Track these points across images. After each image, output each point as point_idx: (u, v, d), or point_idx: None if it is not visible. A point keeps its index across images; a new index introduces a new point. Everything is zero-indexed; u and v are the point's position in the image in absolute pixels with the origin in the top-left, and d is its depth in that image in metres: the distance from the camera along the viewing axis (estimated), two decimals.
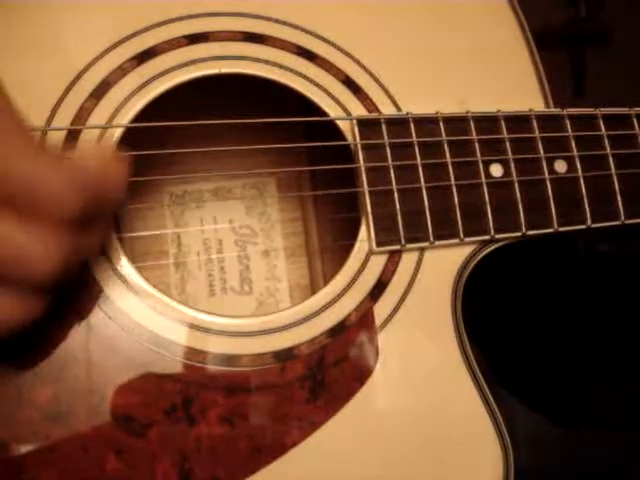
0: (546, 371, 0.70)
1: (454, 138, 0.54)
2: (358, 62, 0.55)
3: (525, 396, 0.61)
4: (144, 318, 0.48)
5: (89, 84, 0.50)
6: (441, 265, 0.53)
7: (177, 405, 0.47)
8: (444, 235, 0.53)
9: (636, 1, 0.86)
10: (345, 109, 0.54)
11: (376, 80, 0.55)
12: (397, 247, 0.52)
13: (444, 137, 0.54)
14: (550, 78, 0.58)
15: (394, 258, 0.53)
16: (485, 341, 0.56)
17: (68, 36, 0.50)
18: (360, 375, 0.50)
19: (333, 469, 0.49)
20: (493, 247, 0.55)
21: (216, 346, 0.48)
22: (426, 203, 0.53)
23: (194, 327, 0.48)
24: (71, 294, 0.46)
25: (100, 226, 0.43)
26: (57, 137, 0.48)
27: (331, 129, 0.54)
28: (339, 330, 0.51)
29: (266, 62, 0.53)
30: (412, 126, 0.54)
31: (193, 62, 0.52)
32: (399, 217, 0.52)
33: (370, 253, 0.52)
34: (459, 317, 0.53)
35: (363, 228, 0.53)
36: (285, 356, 0.49)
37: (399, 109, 0.55)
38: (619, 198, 0.57)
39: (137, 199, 0.63)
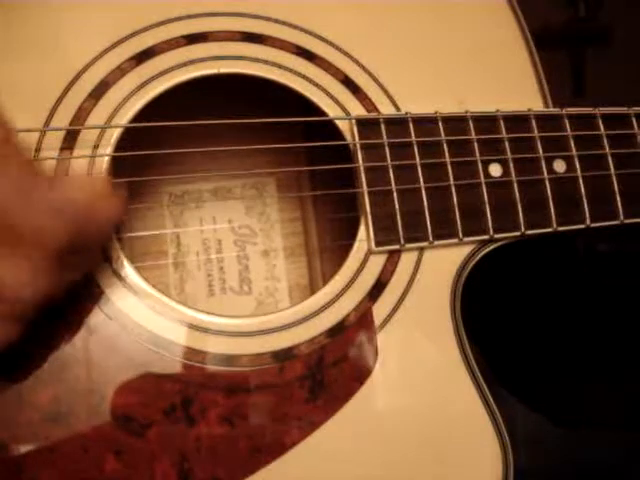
0: (546, 371, 0.70)
1: (453, 138, 0.54)
2: (357, 62, 0.55)
3: (525, 396, 0.61)
4: (143, 318, 0.48)
5: (88, 84, 0.50)
6: (440, 265, 0.53)
7: (176, 405, 0.47)
8: (443, 235, 0.53)
9: (635, 1, 0.86)
10: (344, 109, 0.54)
11: (375, 80, 0.55)
12: (396, 247, 0.52)
13: (443, 137, 0.54)
14: (549, 78, 0.58)
15: (393, 258, 0.53)
16: (484, 341, 0.56)
17: (67, 36, 0.50)
18: (359, 375, 0.50)
19: (332, 469, 0.49)
20: (492, 247, 0.55)
21: (215, 346, 0.49)
22: (425, 203, 0.53)
23: (193, 327, 0.48)
24: (71, 295, 0.46)
25: (86, 257, 0.44)
26: (56, 137, 0.48)
27: (330, 129, 0.54)
28: (338, 330, 0.51)
29: (265, 62, 0.53)
30: (411, 126, 0.54)
31: (192, 62, 0.52)
32: (398, 217, 0.52)
33: (369, 253, 0.52)
34: (458, 317, 0.53)
35: (362, 228, 0.53)
36: (284, 356, 0.49)
37: (398, 109, 0.55)
38: (618, 198, 0.57)
39: (136, 199, 0.63)
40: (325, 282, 0.52)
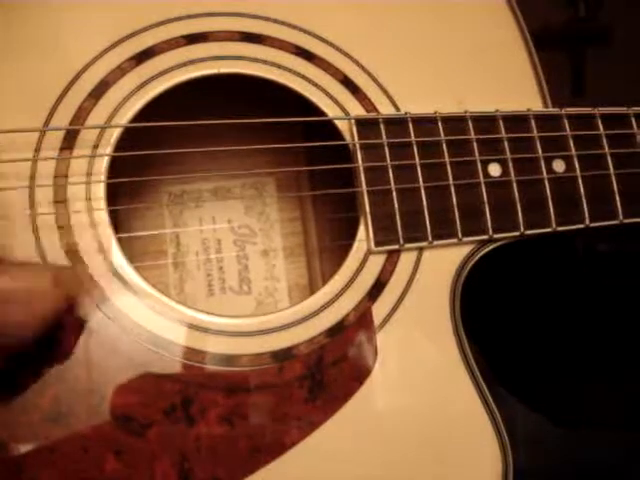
0: (546, 371, 0.70)
1: (452, 138, 0.54)
2: (357, 62, 0.55)
3: (525, 396, 0.61)
4: (143, 318, 0.48)
5: (88, 84, 0.50)
6: (439, 265, 0.53)
7: (176, 405, 0.47)
8: (442, 235, 0.53)
9: (635, 1, 0.86)
10: (343, 109, 0.54)
11: (374, 80, 0.55)
12: (396, 247, 0.52)
13: (442, 137, 0.54)
14: (548, 78, 0.58)
15: (392, 258, 0.53)
16: (484, 341, 0.56)
17: (67, 36, 0.50)
18: (359, 375, 0.50)
19: (332, 469, 0.49)
20: (491, 247, 0.55)
21: (215, 346, 0.49)
22: (424, 203, 0.53)
23: (193, 327, 0.49)
24: (70, 296, 0.46)
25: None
26: (55, 137, 0.48)
27: (330, 129, 0.54)
28: (338, 330, 0.51)
29: (264, 62, 0.53)
30: (410, 126, 0.54)
31: (192, 62, 0.52)
32: (397, 217, 0.52)
33: (369, 253, 0.53)
34: (458, 317, 0.53)
35: (362, 228, 0.53)
36: (284, 356, 0.49)
37: (398, 109, 0.55)
38: (617, 197, 0.57)
39: (136, 199, 0.63)
40: (324, 282, 0.52)
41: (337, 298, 0.51)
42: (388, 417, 0.51)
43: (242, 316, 0.50)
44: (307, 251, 0.67)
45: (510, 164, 0.55)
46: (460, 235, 0.53)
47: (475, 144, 0.55)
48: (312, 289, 0.66)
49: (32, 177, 0.47)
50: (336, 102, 0.54)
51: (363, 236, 0.53)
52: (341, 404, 0.50)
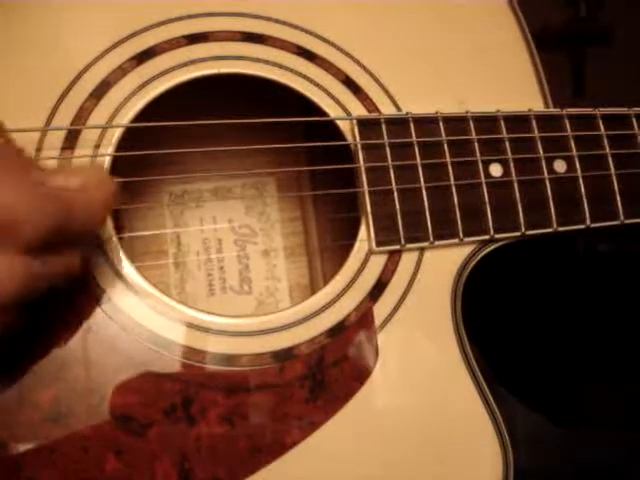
0: (546, 371, 0.70)
1: (454, 138, 0.54)
2: (358, 62, 0.55)
3: (525, 396, 0.61)
4: (144, 317, 0.48)
5: (89, 84, 0.50)
6: (441, 265, 0.53)
7: (177, 405, 0.47)
8: (444, 235, 0.53)
9: (636, 1, 0.86)
10: (345, 109, 0.54)
11: (376, 80, 0.55)
12: (397, 247, 0.52)
13: (444, 137, 0.54)
14: (549, 78, 0.58)
15: (394, 258, 0.53)
16: (485, 341, 0.56)
17: (68, 36, 0.50)
18: (360, 375, 0.50)
19: (333, 469, 0.49)
20: (493, 247, 0.55)
21: (215, 346, 0.48)
22: (426, 203, 0.53)
23: (193, 327, 0.48)
24: (71, 294, 0.46)
25: (72, 252, 0.42)
26: (57, 137, 0.48)
27: (331, 129, 0.54)
28: (339, 330, 0.51)
29: (266, 62, 0.53)
30: (412, 126, 0.54)
31: (192, 62, 0.52)
32: (399, 217, 0.52)
33: (370, 253, 0.52)
34: (459, 317, 0.53)
35: (363, 228, 0.53)
36: (284, 356, 0.49)
37: (399, 109, 0.55)
38: (618, 198, 0.57)
39: (137, 199, 0.63)
40: (326, 282, 0.52)
41: (338, 298, 0.51)
42: (389, 417, 0.51)
43: (243, 316, 0.50)
44: (308, 251, 0.67)
45: (511, 164, 0.55)
46: (461, 235, 0.53)
47: (476, 144, 0.55)
48: (313, 289, 0.66)
49: None
50: (338, 102, 0.54)
51: (364, 236, 0.53)
52: (342, 404, 0.50)
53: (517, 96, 0.57)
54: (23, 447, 0.44)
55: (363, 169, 0.52)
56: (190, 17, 0.53)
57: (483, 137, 0.55)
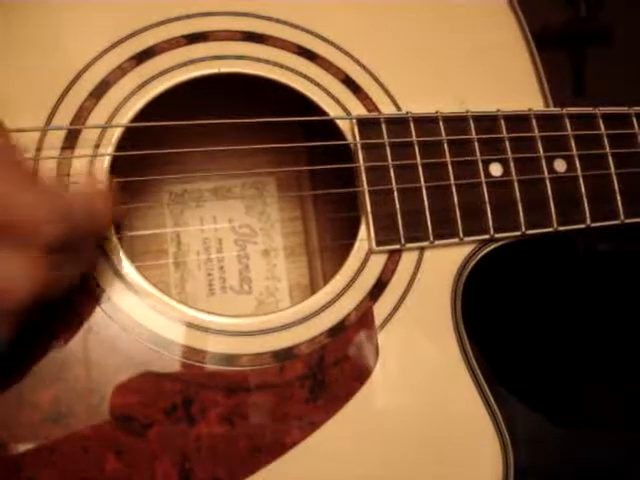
0: (546, 371, 0.70)
1: (454, 137, 0.54)
2: (358, 62, 0.55)
3: (525, 396, 0.61)
4: (144, 317, 0.48)
5: (89, 84, 0.50)
6: (441, 264, 0.53)
7: (177, 405, 0.47)
8: (444, 234, 0.53)
9: (636, 1, 0.86)
10: (345, 109, 0.54)
11: (376, 80, 0.55)
12: (397, 246, 0.52)
13: (444, 136, 0.54)
14: (549, 78, 0.58)
15: (394, 257, 0.53)
16: (485, 340, 0.56)
17: (68, 36, 0.50)
18: (360, 375, 0.50)
19: (333, 469, 0.49)
20: (493, 246, 0.55)
21: (215, 345, 0.48)
22: (426, 202, 0.53)
23: (194, 326, 0.48)
24: (71, 293, 0.46)
25: (82, 257, 0.44)
26: (57, 137, 0.48)
27: (331, 129, 0.54)
28: (339, 330, 0.51)
29: (266, 62, 0.53)
30: (412, 125, 0.54)
31: (192, 62, 0.52)
32: (399, 216, 0.52)
33: (370, 252, 0.52)
34: (459, 316, 0.53)
35: (363, 227, 0.53)
36: (284, 356, 0.49)
37: (399, 108, 0.55)
38: (618, 197, 0.57)
39: (137, 198, 0.63)
40: (326, 282, 0.52)
41: (338, 298, 0.51)
42: (389, 417, 0.51)
43: (243, 316, 0.50)
44: (308, 251, 0.67)
45: (511, 164, 0.55)
46: (461, 235, 0.53)
47: (476, 144, 0.55)
48: (313, 289, 0.66)
49: None
50: (337, 102, 0.54)
51: (364, 236, 0.53)
52: (342, 404, 0.49)
53: (517, 95, 0.57)
54: (23, 447, 0.44)
55: (363, 169, 0.52)
56: (189, 17, 0.53)
57: (483, 137, 0.55)
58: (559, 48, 0.86)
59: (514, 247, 0.56)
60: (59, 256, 0.40)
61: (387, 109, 0.55)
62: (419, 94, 0.55)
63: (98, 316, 0.47)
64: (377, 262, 0.52)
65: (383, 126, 0.53)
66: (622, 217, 0.57)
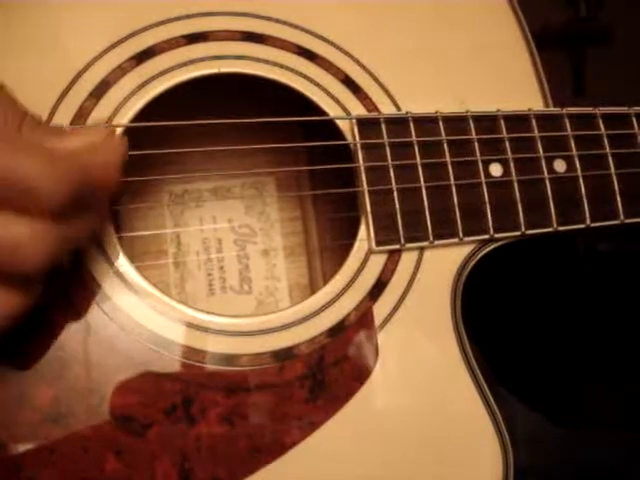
0: (546, 371, 0.70)
1: (454, 137, 0.54)
2: (358, 62, 0.55)
3: (525, 396, 0.61)
4: (144, 317, 0.48)
5: (89, 84, 0.50)
6: (441, 264, 0.53)
7: (177, 405, 0.47)
8: (444, 234, 0.53)
9: (636, 1, 0.86)
10: (345, 108, 0.54)
11: (376, 79, 0.55)
12: (397, 246, 0.52)
13: (444, 136, 0.54)
14: (549, 78, 0.58)
15: (394, 257, 0.53)
16: (484, 340, 0.56)
17: (67, 36, 0.50)
18: (360, 375, 0.50)
19: (332, 469, 0.49)
20: (492, 246, 0.55)
21: (215, 345, 0.48)
22: (425, 203, 0.53)
23: (193, 326, 0.48)
24: (71, 293, 0.46)
25: (92, 214, 0.42)
26: None
27: (330, 129, 0.54)
28: (338, 330, 0.51)
29: (266, 62, 0.53)
30: (412, 125, 0.54)
31: (192, 62, 0.52)
32: (399, 216, 0.52)
33: (370, 252, 0.52)
34: (458, 316, 0.53)
35: (362, 227, 0.53)
36: (284, 356, 0.49)
37: (399, 108, 0.55)
38: (618, 197, 0.57)
39: (137, 198, 0.63)
40: (325, 282, 0.52)
41: (338, 298, 0.51)
42: (389, 417, 0.51)
43: (242, 316, 0.50)
44: (308, 251, 0.67)
45: (511, 164, 0.55)
46: (461, 235, 0.53)
47: (476, 144, 0.55)
48: (313, 289, 0.66)
49: None
50: (337, 102, 0.54)
51: (364, 236, 0.52)
52: (342, 404, 0.50)
53: (517, 95, 0.57)
54: (23, 447, 0.44)
55: (363, 169, 0.52)
56: (189, 17, 0.53)
57: (483, 137, 0.55)
58: (559, 48, 0.86)
59: (514, 247, 0.56)
60: (65, 220, 0.38)
61: (387, 109, 0.55)
62: (419, 94, 0.55)
63: (98, 316, 0.47)
64: (377, 262, 0.52)
65: (383, 126, 0.53)
66: (622, 217, 0.57)
